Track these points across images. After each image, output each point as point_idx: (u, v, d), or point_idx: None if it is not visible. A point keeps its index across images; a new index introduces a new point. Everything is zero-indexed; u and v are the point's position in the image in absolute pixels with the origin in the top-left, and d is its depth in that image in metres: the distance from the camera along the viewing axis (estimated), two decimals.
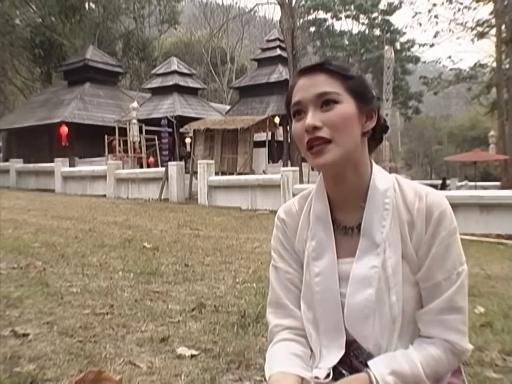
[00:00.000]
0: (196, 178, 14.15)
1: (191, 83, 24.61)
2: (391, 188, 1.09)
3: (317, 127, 1.03)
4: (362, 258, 1.08)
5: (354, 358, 1.10)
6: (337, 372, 1.09)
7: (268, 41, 25.61)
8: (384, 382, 0.99)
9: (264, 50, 25.47)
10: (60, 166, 17.37)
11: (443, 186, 21.40)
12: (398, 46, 37.07)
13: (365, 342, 1.07)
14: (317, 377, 1.06)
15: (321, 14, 38.26)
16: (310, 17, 38.46)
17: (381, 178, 1.10)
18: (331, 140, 1.03)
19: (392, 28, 37.83)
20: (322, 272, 1.11)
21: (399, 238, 1.06)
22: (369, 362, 1.02)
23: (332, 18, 38.63)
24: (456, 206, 8.29)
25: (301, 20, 35.79)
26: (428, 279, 1.05)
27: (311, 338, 1.13)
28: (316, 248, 1.13)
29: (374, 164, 1.12)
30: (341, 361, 1.10)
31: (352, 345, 1.11)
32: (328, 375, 1.07)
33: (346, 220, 1.12)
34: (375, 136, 1.13)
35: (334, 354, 1.10)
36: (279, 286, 1.17)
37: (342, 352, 1.09)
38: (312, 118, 1.03)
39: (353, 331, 1.08)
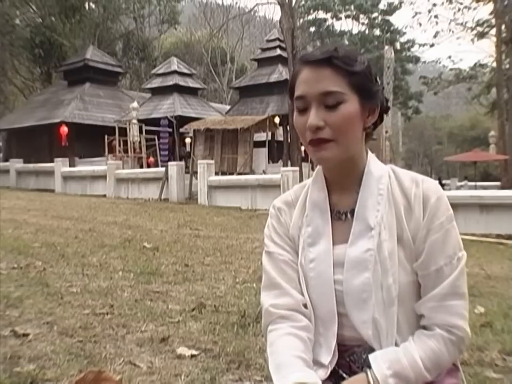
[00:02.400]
0: (196, 178, 14.16)
1: (191, 83, 24.61)
2: (385, 175, 1.10)
3: (319, 128, 1.03)
4: (356, 243, 1.07)
5: (352, 362, 1.10)
6: (337, 375, 1.08)
7: (268, 41, 25.62)
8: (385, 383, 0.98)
9: (264, 50, 25.47)
10: (60, 166, 17.38)
11: (441, 186, 21.41)
12: (398, 46, 37.04)
13: (364, 327, 1.06)
14: None
15: (321, 14, 38.25)
16: (310, 17, 38.44)
17: (376, 166, 1.12)
18: (333, 140, 1.04)
19: (392, 28, 37.81)
20: (317, 258, 1.11)
21: (394, 222, 1.06)
22: (371, 360, 1.01)
23: (332, 18, 38.63)
24: (456, 206, 8.28)
25: (301, 20, 35.77)
26: (429, 265, 1.05)
27: (310, 326, 1.12)
28: (312, 234, 1.13)
29: (369, 151, 1.13)
30: (340, 365, 1.10)
31: (347, 351, 1.10)
32: (326, 376, 1.07)
33: (340, 204, 1.13)
34: (375, 122, 1.13)
35: (329, 343, 1.09)
36: (272, 268, 1.15)
37: (334, 340, 1.08)
38: (315, 117, 1.03)
39: (353, 317, 1.07)
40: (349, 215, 1.11)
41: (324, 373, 1.07)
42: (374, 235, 1.06)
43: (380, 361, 1.01)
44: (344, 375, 1.07)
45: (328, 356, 1.08)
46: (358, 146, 1.09)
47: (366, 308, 1.05)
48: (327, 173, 1.14)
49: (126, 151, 18.89)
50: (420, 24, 38.58)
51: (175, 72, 23.79)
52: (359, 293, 1.05)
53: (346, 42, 38.57)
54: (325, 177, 1.15)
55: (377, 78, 1.10)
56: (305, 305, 1.11)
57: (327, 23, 38.76)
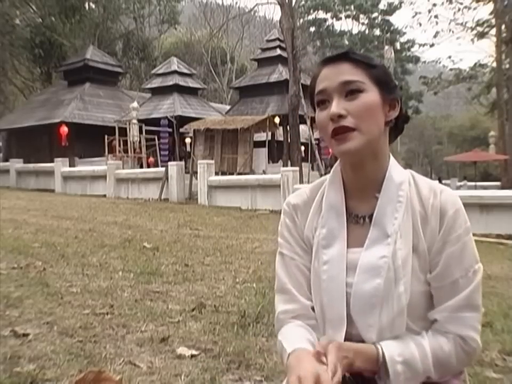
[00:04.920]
0: (196, 178, 14.15)
1: (191, 83, 24.60)
2: (406, 181, 1.10)
3: (341, 116, 1.03)
4: (371, 248, 1.07)
5: None
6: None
7: (268, 41, 25.61)
8: (393, 370, 1.00)
9: (264, 50, 25.47)
10: (60, 166, 17.37)
11: None
12: (398, 46, 37.13)
13: (368, 331, 1.06)
14: None
15: (321, 14, 38.35)
16: (310, 17, 38.52)
17: (397, 171, 1.11)
18: (355, 128, 1.04)
19: (392, 28, 37.90)
20: (330, 261, 1.11)
21: (410, 231, 1.06)
22: (383, 346, 1.02)
23: (332, 18, 38.72)
24: None
25: (301, 20, 35.81)
26: (445, 277, 1.05)
27: (318, 327, 1.13)
28: (326, 236, 1.12)
29: (392, 156, 1.13)
30: None
31: None
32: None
33: (358, 208, 1.12)
34: (397, 126, 1.14)
35: None
36: (283, 272, 1.17)
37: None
38: (337, 106, 1.04)
39: (358, 320, 1.07)
40: (367, 220, 1.10)
41: None
42: (390, 242, 1.05)
43: (391, 347, 1.02)
44: (346, 373, 1.07)
45: None
46: (380, 141, 1.09)
47: (373, 313, 1.05)
48: (346, 173, 1.13)
49: (126, 151, 18.88)
50: (420, 24, 38.80)
51: (175, 72, 23.79)
52: (368, 298, 1.05)
53: (346, 42, 38.62)
54: (343, 181, 1.14)
55: (395, 81, 1.12)
56: (313, 309, 1.14)
57: (327, 23, 38.84)
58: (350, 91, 1.04)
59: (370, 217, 1.09)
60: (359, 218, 1.11)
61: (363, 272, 1.07)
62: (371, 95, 1.05)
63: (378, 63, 1.08)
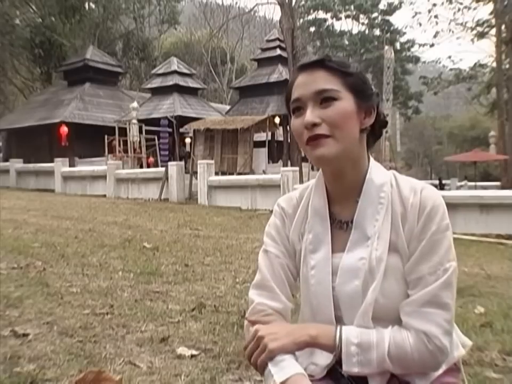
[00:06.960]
0: (196, 178, 14.16)
1: (191, 83, 24.61)
2: (387, 183, 1.10)
3: (316, 124, 1.04)
4: (353, 251, 1.08)
5: None
6: (334, 371, 1.08)
7: (268, 41, 25.62)
8: (347, 350, 1.01)
9: (264, 50, 25.47)
10: (60, 166, 17.38)
11: (441, 187, 21.42)
12: (398, 46, 37.09)
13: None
14: (311, 375, 1.07)
15: (321, 14, 38.28)
16: (310, 17, 38.46)
17: (378, 173, 1.11)
18: (330, 136, 1.04)
19: (392, 28, 37.85)
20: (317, 265, 1.12)
21: (388, 230, 1.06)
22: (343, 328, 1.03)
23: (332, 18, 38.65)
24: (456, 206, 8.29)
25: (301, 20, 35.75)
26: (413, 272, 1.04)
27: None
28: (313, 241, 1.13)
29: (372, 159, 1.13)
30: (338, 361, 1.09)
31: None
32: (323, 374, 1.08)
33: (342, 214, 1.13)
34: (374, 132, 1.14)
35: None
36: (267, 269, 1.17)
37: None
38: (311, 114, 1.04)
39: (348, 321, 1.08)
40: (350, 224, 1.11)
41: (320, 371, 1.09)
42: (369, 244, 1.06)
43: (350, 330, 1.03)
44: (343, 372, 1.07)
45: (328, 359, 1.09)
46: (356, 148, 1.09)
47: (357, 314, 1.06)
48: (327, 180, 1.14)
49: (126, 151, 18.88)
50: (420, 24, 38.78)
51: (175, 72, 23.79)
52: (350, 299, 1.07)
53: (346, 42, 38.62)
54: (327, 187, 1.15)
55: (372, 87, 1.11)
56: (292, 310, 1.15)
57: (327, 23, 38.77)
58: (325, 99, 1.04)
59: (353, 221, 1.10)
60: (342, 223, 1.12)
61: (343, 274, 1.08)
62: (345, 103, 1.05)
63: (354, 70, 1.07)
